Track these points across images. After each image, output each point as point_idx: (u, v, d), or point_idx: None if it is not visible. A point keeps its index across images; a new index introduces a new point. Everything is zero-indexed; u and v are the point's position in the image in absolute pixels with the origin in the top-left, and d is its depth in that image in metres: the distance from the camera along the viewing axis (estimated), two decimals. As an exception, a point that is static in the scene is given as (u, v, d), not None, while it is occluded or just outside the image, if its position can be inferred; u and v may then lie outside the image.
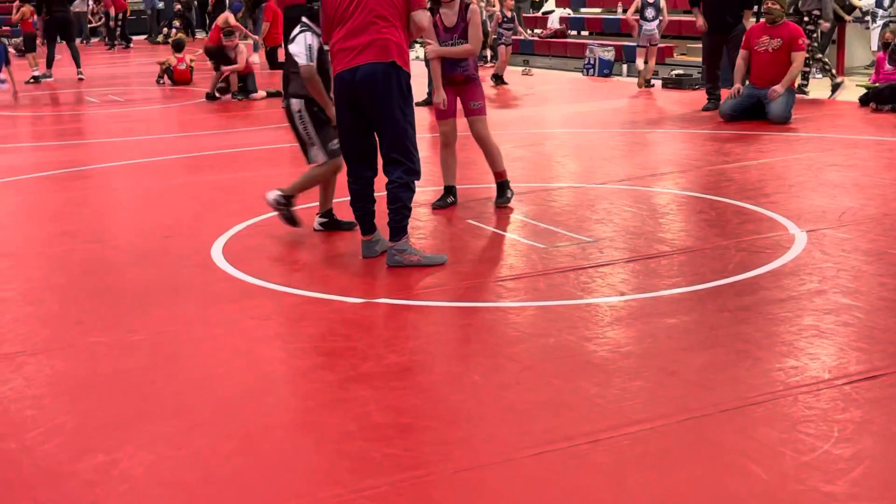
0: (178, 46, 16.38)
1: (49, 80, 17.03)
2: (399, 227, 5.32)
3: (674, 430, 3.30)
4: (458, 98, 6.59)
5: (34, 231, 6.59)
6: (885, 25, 13.21)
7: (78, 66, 17.53)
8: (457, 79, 6.51)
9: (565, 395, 3.63)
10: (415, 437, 3.32)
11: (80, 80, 17.18)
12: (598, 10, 20.90)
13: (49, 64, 17.37)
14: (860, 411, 3.39)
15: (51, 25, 17.35)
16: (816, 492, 2.88)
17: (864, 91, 11.05)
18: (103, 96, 15.07)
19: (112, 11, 27.67)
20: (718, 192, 6.89)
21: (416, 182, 5.37)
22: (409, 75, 5.31)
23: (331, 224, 6.11)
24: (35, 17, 17.54)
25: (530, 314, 4.61)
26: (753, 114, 10.14)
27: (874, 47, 13.54)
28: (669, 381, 3.72)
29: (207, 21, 29.40)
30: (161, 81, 16.27)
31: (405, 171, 5.29)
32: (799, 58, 9.99)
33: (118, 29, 27.92)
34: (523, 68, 17.05)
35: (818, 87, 12.23)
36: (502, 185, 6.65)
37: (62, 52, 18.47)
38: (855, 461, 3.04)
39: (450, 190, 6.70)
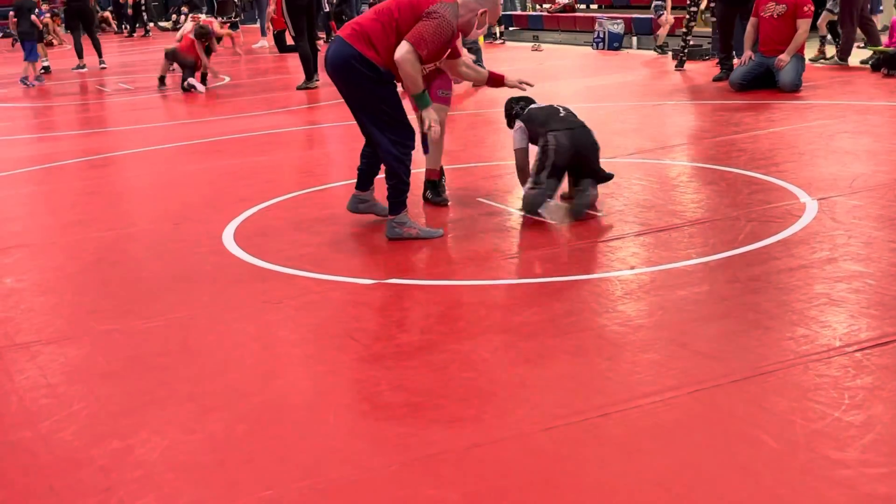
0: (201, 36, 16.37)
1: (83, 70, 17.04)
2: (396, 201, 5.45)
3: (684, 402, 3.31)
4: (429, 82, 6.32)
5: (47, 221, 6.63)
6: None
7: (100, 55, 17.61)
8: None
9: (576, 370, 3.64)
10: (427, 416, 3.34)
11: (103, 68, 17.27)
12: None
13: (80, 54, 17.39)
14: (871, 378, 3.39)
15: (70, 15, 17.39)
16: (827, 459, 2.88)
17: (872, 54, 10.97)
18: (114, 84, 15.10)
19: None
20: (729, 162, 6.86)
21: (405, 154, 5.38)
22: (377, 69, 5.26)
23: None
24: (41, 7, 17.59)
25: (540, 290, 4.62)
26: (763, 82, 10.08)
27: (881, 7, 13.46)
28: (680, 352, 3.72)
29: (215, 6, 29.42)
30: (171, 68, 16.27)
31: (391, 143, 5.35)
32: (804, 25, 9.91)
33: (145, 13, 27.98)
34: (532, 44, 16.99)
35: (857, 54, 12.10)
36: (434, 184, 6.32)
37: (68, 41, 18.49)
38: (866, 428, 3.05)
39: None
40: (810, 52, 11.51)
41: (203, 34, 13.44)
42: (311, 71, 12.84)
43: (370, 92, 5.33)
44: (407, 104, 5.59)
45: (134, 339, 4.24)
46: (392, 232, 5.47)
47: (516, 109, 6.06)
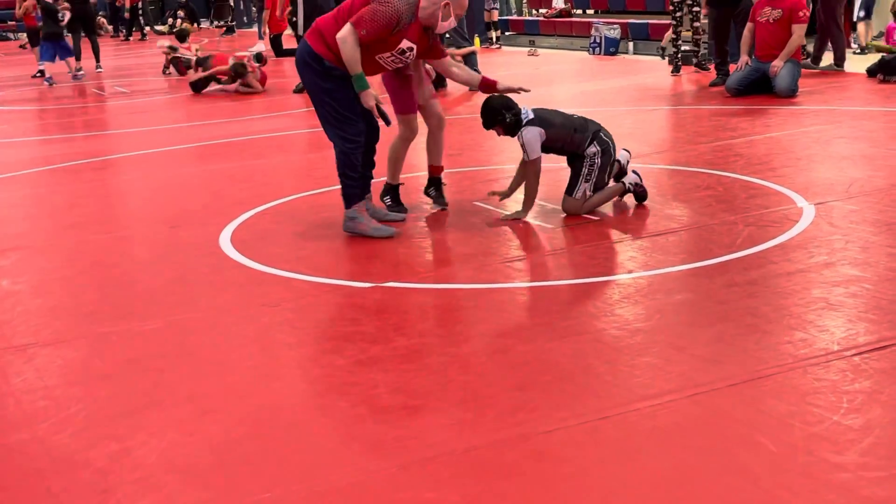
0: (181, 37, 16.39)
1: (81, 73, 17.05)
2: (346, 194, 5.59)
3: (683, 405, 3.31)
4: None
5: (43, 223, 6.62)
6: None
7: (97, 59, 17.63)
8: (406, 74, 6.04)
9: (574, 374, 3.64)
10: (425, 419, 3.34)
11: (99, 72, 17.28)
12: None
13: (77, 57, 17.42)
14: (869, 382, 3.39)
15: (73, 19, 17.41)
16: (826, 462, 2.88)
17: (881, 55, 11.01)
18: (110, 88, 15.10)
19: (128, 3, 27.72)
20: (726, 167, 6.87)
21: (352, 148, 5.47)
22: (324, 62, 5.35)
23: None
24: (37, 11, 17.59)
25: (538, 294, 4.62)
26: (760, 88, 10.10)
27: (854, 17, 13.47)
28: (678, 356, 3.72)
29: (211, 9, 29.44)
30: (167, 72, 16.29)
31: (337, 137, 5.50)
32: (799, 30, 9.94)
33: (142, 18, 28.01)
34: (529, 49, 17.01)
35: (823, 59, 12.14)
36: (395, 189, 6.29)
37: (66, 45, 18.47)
38: (864, 431, 3.05)
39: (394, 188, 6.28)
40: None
41: (241, 73, 13.25)
42: None
43: (317, 86, 5.46)
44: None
45: (131, 342, 4.24)
46: (345, 226, 5.63)
47: (509, 117, 5.71)
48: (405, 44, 5.41)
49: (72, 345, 4.26)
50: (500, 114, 5.75)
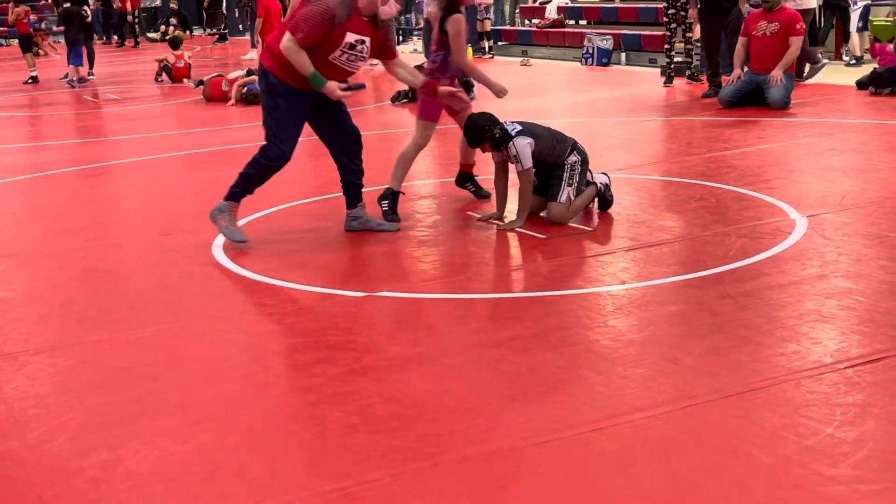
0: (174, 44, 16.39)
1: (78, 82, 17.04)
2: (233, 190, 5.72)
3: (676, 417, 3.31)
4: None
5: (35, 230, 6.60)
6: (866, 8, 13.23)
7: (91, 65, 17.60)
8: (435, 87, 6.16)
9: (568, 384, 3.63)
10: (418, 429, 3.33)
11: (91, 78, 17.26)
12: (596, -1, 20.88)
13: (69, 60, 17.42)
14: (862, 395, 3.40)
15: (68, 26, 17.42)
16: (819, 475, 2.88)
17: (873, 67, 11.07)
18: (103, 95, 15.07)
19: (128, 6, 27.69)
20: (719, 178, 6.88)
21: (266, 161, 5.61)
22: (270, 76, 5.50)
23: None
24: (30, 17, 17.62)
25: (531, 304, 4.62)
26: (753, 100, 10.13)
27: (853, 28, 13.54)
28: (671, 368, 3.72)
29: (204, 17, 29.44)
30: (160, 79, 16.28)
31: (264, 147, 5.63)
32: (796, 42, 9.99)
33: (137, 26, 27.99)
34: (522, 59, 17.04)
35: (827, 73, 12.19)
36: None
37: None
38: (858, 444, 3.05)
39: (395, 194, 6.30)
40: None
41: (251, 101, 13.09)
42: None
43: (264, 100, 5.62)
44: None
45: (123, 350, 4.22)
46: (211, 213, 5.74)
47: (497, 132, 5.76)
48: (350, 37, 5.40)
49: (63, 352, 4.24)
50: (488, 130, 5.81)
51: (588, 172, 6.05)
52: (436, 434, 3.28)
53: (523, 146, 5.75)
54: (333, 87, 5.43)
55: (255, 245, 5.76)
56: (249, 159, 5.70)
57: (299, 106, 5.54)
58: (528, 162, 5.75)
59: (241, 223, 6.24)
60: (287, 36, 5.32)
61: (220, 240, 5.85)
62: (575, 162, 5.92)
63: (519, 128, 5.84)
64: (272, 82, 5.50)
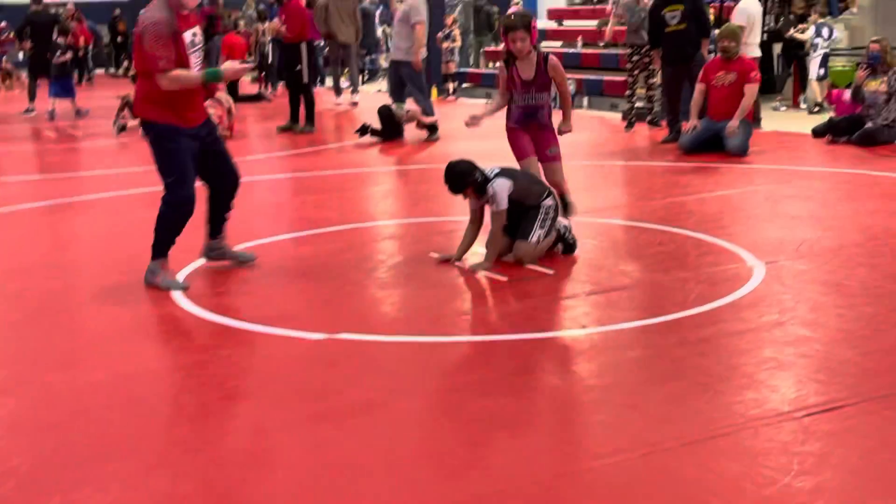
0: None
1: (31, 114, 16.90)
2: (154, 249, 5.71)
3: (636, 464, 3.30)
4: (535, 143, 6.49)
5: (-10, 268, 6.50)
6: (825, 57, 13.47)
7: (54, 101, 17.48)
8: (532, 128, 6.46)
9: (529, 431, 3.62)
10: (377, 476, 3.30)
11: (86, 112, 17.17)
12: (559, 43, 21.11)
13: (31, 98, 17.29)
14: (819, 444, 3.41)
15: (35, 60, 17.34)
16: (777, 525, 2.89)
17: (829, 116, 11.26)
18: (62, 131, 14.96)
19: (81, 42, 27.52)
20: (678, 223, 6.94)
21: (173, 211, 5.64)
22: (154, 126, 5.57)
23: None
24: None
25: (493, 348, 4.61)
26: (712, 146, 10.25)
27: (812, 76, 13.78)
28: (631, 414, 3.72)
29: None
30: (121, 115, 16.14)
31: (163, 198, 5.67)
32: (751, 90, 10.14)
33: (87, 61, 27.82)
34: (486, 101, 17.15)
35: (776, 119, 12.38)
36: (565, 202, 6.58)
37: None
38: (815, 494, 3.06)
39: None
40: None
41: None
42: (312, 116, 13.21)
43: (154, 151, 5.66)
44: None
45: (78, 392, 4.15)
46: (145, 278, 5.69)
47: (479, 176, 5.85)
48: (187, 36, 5.47)
49: (16, 393, 4.16)
50: (470, 175, 5.88)
51: (556, 231, 6.13)
52: (395, 484, 3.25)
53: (501, 188, 5.84)
54: (232, 66, 5.59)
55: (213, 286, 5.72)
56: (157, 216, 5.69)
57: (187, 145, 5.60)
58: (503, 204, 5.82)
59: (199, 263, 6.20)
60: (160, 78, 5.37)
61: (178, 279, 5.79)
62: (550, 206, 6.01)
63: (497, 170, 5.95)
64: (156, 130, 5.59)
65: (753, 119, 11.71)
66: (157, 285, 5.63)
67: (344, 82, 17.84)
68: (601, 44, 17.27)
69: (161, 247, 5.72)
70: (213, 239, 6.07)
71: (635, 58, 12.51)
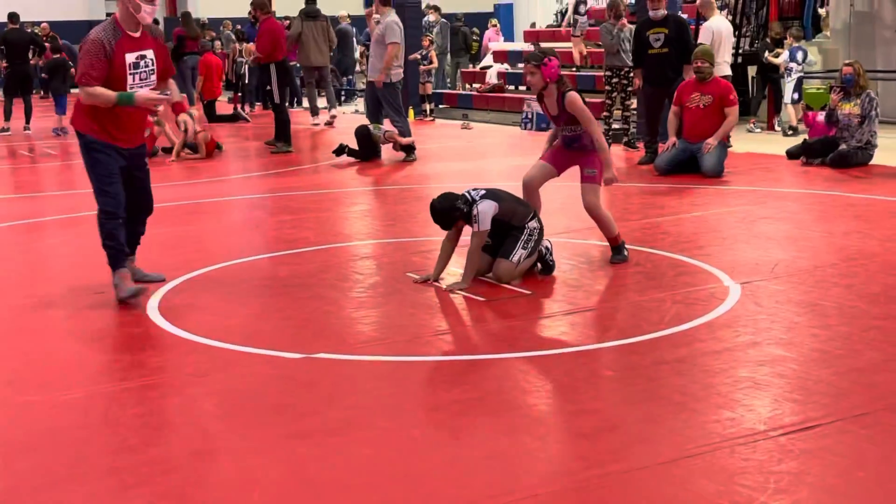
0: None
1: (7, 133, 16.82)
2: (110, 263, 5.78)
3: (612, 483, 3.31)
4: (575, 163, 6.46)
5: (-35, 287, 6.45)
6: (800, 80, 13.59)
7: (28, 119, 17.43)
8: (574, 151, 6.41)
9: (505, 450, 3.62)
10: (354, 495, 3.29)
11: (27, 132, 17.08)
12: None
13: (7, 117, 17.20)
14: (795, 462, 3.44)
15: (11, 79, 17.27)
16: (754, 544, 2.90)
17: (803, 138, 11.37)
18: (39, 149, 14.89)
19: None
20: (654, 244, 6.98)
21: (107, 219, 5.73)
22: (84, 136, 5.72)
23: None
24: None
25: (469, 368, 4.62)
26: (687, 167, 10.31)
27: (787, 100, 13.92)
28: (608, 434, 3.73)
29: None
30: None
31: (99, 208, 5.77)
32: (733, 112, 10.23)
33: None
34: (462, 122, 17.20)
35: (751, 141, 12.48)
36: (618, 248, 6.48)
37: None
38: (791, 512, 3.08)
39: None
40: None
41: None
42: (287, 136, 13.33)
43: (84, 160, 5.79)
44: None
45: (53, 412, 4.13)
46: (116, 295, 5.74)
47: (464, 207, 5.86)
48: (130, 58, 5.58)
49: (-10, 414, 4.13)
50: (456, 210, 5.92)
51: (546, 241, 6.18)
52: (373, 501, 3.24)
53: (485, 209, 5.87)
54: (145, 94, 5.60)
55: (190, 305, 5.70)
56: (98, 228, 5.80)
57: (117, 158, 5.73)
58: (485, 225, 5.85)
59: (176, 282, 6.18)
60: (81, 90, 5.56)
61: (154, 300, 5.78)
62: (534, 228, 6.05)
63: (483, 192, 5.98)
64: (87, 141, 5.71)
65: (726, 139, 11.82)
66: (123, 298, 5.69)
67: (321, 102, 17.89)
68: (574, 68, 17.37)
69: (113, 258, 5.79)
70: (129, 255, 6.11)
71: (614, 80, 12.60)
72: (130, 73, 5.60)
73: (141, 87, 5.64)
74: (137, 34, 5.63)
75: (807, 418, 3.81)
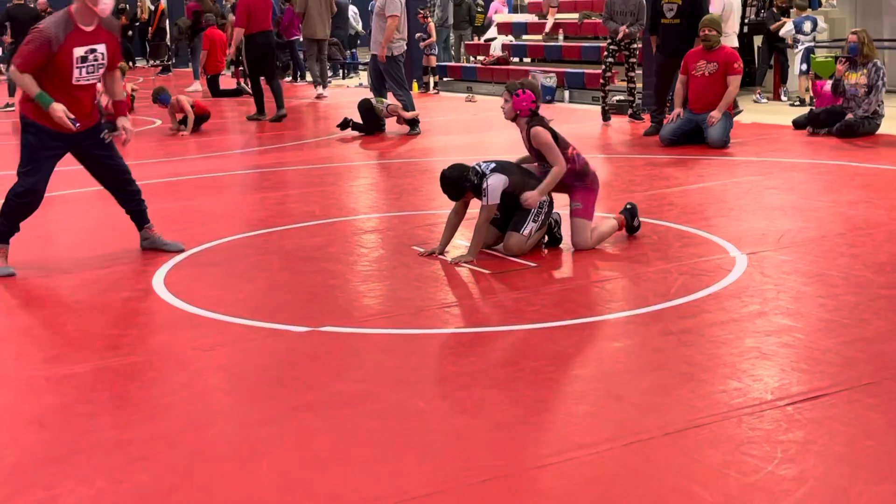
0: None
1: (11, 109, 16.82)
2: None
3: (619, 454, 3.31)
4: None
5: (-30, 263, 6.45)
6: (808, 51, 13.49)
7: None
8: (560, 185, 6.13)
9: (512, 421, 3.62)
10: (361, 468, 3.29)
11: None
12: (540, 36, 21.10)
13: (11, 92, 17.18)
14: (802, 432, 3.43)
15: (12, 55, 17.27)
16: (761, 513, 2.90)
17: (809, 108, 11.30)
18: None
19: None
20: (660, 215, 6.96)
21: (18, 195, 5.89)
22: (24, 119, 5.83)
23: None
24: None
25: (475, 340, 4.61)
26: (692, 138, 10.28)
27: (796, 71, 13.83)
28: (615, 404, 3.73)
29: (147, 49, 29.22)
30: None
31: (14, 184, 5.91)
32: (734, 81, 10.17)
33: None
34: (466, 94, 17.15)
35: (757, 111, 12.42)
36: (629, 227, 6.32)
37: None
38: (798, 482, 3.08)
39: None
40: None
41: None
42: (264, 104, 13.83)
43: (20, 138, 5.89)
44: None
45: (60, 386, 4.13)
46: None
47: (474, 179, 5.80)
48: (79, 52, 5.64)
49: (-3, 388, 4.14)
50: (466, 180, 5.86)
51: (555, 213, 6.13)
52: (381, 474, 3.25)
53: (495, 183, 5.81)
54: (57, 111, 5.64)
55: (196, 279, 5.70)
56: (2, 203, 5.94)
57: (51, 146, 5.84)
58: (494, 199, 5.80)
59: (182, 256, 6.18)
60: (12, 70, 5.68)
61: (160, 274, 5.78)
62: (544, 202, 5.99)
63: (493, 165, 5.93)
64: (25, 122, 5.82)
65: (733, 105, 11.75)
66: None
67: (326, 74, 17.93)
68: (542, 36, 17.48)
69: (2, 233, 5.92)
70: (141, 230, 6.34)
71: (612, 48, 12.49)
72: (77, 67, 5.69)
73: (88, 79, 5.77)
74: (91, 28, 5.69)
75: (814, 388, 3.81)
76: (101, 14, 5.68)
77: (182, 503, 3.09)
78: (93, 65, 5.75)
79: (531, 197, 5.86)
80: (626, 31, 12.08)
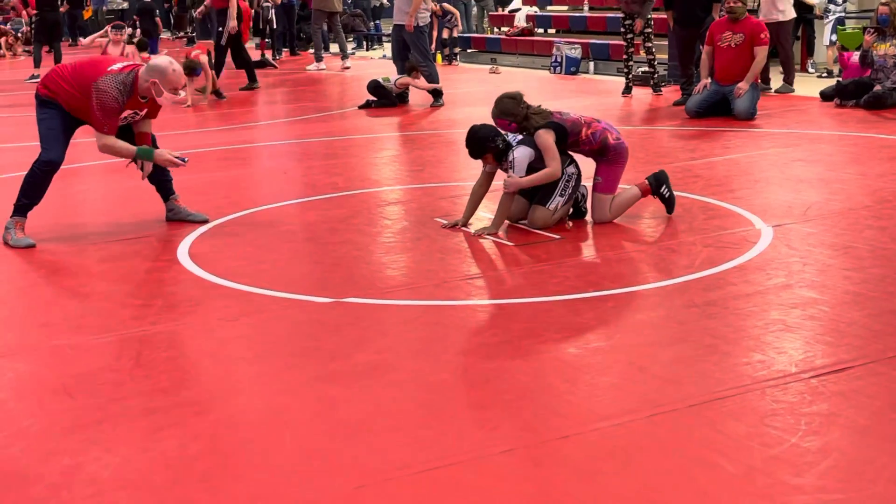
0: (141, 46, 16.27)
1: (37, 80, 16.91)
2: (16, 204, 6.02)
3: (642, 426, 3.31)
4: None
5: (-3, 233, 6.49)
6: (837, 21, 13.33)
7: (58, 61, 17.48)
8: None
9: (535, 392, 3.62)
10: (383, 437, 3.31)
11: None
12: (565, 7, 20.95)
13: (37, 64, 17.24)
14: (827, 404, 3.42)
15: (41, 26, 17.31)
16: (785, 485, 2.89)
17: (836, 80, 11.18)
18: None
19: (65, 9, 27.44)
20: (685, 188, 6.91)
21: (39, 167, 6.02)
22: (40, 97, 6.00)
23: None
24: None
25: (498, 312, 4.61)
26: (719, 110, 10.19)
27: (826, 42, 13.67)
28: (638, 376, 3.73)
29: (172, 21, 29.26)
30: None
31: (39, 156, 6.03)
32: (761, 52, 10.06)
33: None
34: (490, 66, 17.07)
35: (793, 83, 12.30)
36: (661, 195, 6.12)
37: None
38: (822, 454, 3.06)
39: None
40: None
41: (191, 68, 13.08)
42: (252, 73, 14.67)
43: (37, 111, 6.06)
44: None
45: (86, 355, 4.17)
46: (2, 236, 5.98)
47: (500, 143, 5.80)
48: (127, 113, 5.94)
49: (25, 357, 4.18)
50: (491, 141, 5.84)
51: (582, 187, 6.09)
52: (402, 443, 3.26)
53: (522, 156, 5.79)
54: (164, 154, 6.02)
55: (220, 250, 5.72)
56: (25, 176, 6.04)
57: (68, 121, 6.01)
58: (521, 172, 5.78)
59: (205, 228, 6.21)
60: (100, 137, 5.88)
61: (185, 245, 5.80)
62: (572, 174, 5.95)
63: (521, 136, 5.90)
64: (42, 99, 6.00)
65: (762, 80, 11.64)
66: (7, 242, 5.90)
67: (335, 48, 18.01)
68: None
69: (22, 203, 6.00)
70: (166, 202, 6.43)
71: (627, 22, 12.37)
72: (119, 123, 5.97)
73: (122, 123, 5.98)
74: (145, 101, 5.94)
75: (839, 360, 3.78)
76: (158, 103, 6.03)
77: (206, 471, 3.11)
78: (129, 120, 6.04)
79: (512, 182, 5.76)
80: (641, 24, 12.04)
